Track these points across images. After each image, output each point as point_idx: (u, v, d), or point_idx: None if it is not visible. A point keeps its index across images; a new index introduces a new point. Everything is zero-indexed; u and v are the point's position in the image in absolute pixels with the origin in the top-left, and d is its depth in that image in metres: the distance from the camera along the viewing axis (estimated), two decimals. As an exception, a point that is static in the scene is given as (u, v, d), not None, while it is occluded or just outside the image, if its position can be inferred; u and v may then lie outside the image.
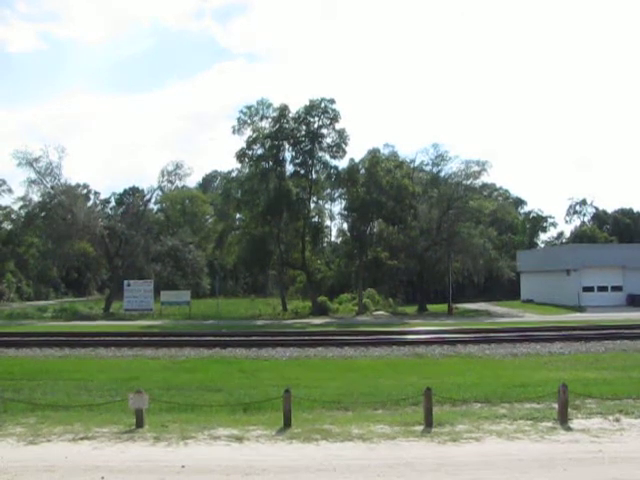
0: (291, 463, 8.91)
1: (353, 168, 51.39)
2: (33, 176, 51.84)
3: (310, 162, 50.48)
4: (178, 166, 54.63)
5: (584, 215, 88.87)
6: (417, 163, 57.26)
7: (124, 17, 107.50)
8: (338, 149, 50.19)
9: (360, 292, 50.92)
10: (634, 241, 71.11)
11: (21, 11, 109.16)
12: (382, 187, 49.09)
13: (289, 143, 50.39)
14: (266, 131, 50.04)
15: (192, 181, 76.67)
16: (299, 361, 19.90)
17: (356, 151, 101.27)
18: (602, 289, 51.77)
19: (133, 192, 64.90)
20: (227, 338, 25.65)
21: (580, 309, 47.17)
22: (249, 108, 50.61)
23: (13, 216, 59.79)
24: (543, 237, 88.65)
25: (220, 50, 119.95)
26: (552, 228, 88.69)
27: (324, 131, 50.08)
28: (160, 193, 62.44)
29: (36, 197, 54.06)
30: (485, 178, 56.44)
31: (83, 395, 14.00)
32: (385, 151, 56.71)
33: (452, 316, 46.47)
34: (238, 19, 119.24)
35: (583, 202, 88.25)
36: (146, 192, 60.48)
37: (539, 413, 11.76)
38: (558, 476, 8.40)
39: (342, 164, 51.76)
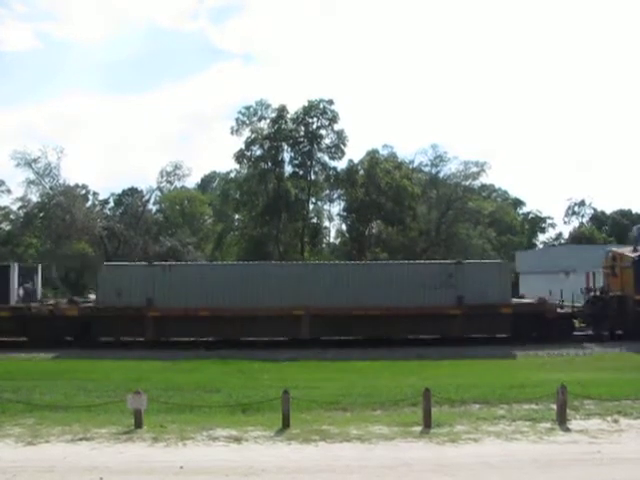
0: (290, 464, 8.90)
1: (352, 169, 51.47)
2: (32, 177, 51.92)
3: (309, 163, 50.56)
4: (177, 167, 54.75)
5: (582, 216, 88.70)
6: (416, 164, 57.45)
7: (122, 17, 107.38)
8: (337, 150, 50.31)
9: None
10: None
11: (18, 10, 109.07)
12: (381, 188, 49.20)
13: (288, 144, 50.47)
14: (265, 132, 50.12)
15: (191, 182, 76.42)
16: (298, 362, 19.88)
17: (355, 152, 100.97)
18: (602, 290, 51.59)
19: (132, 193, 64.66)
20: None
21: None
22: (247, 109, 50.75)
23: (12, 217, 59.72)
24: (542, 238, 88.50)
25: (217, 51, 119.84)
26: (551, 229, 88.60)
27: (323, 132, 50.24)
28: (159, 194, 62.47)
29: (35, 198, 54.10)
30: (484, 179, 56.65)
31: (82, 396, 13.97)
32: (384, 152, 56.84)
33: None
34: (234, 20, 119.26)
35: (582, 203, 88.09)
36: (145, 193, 60.50)
37: (538, 414, 11.75)
38: (557, 477, 8.41)
39: (341, 165, 51.89)
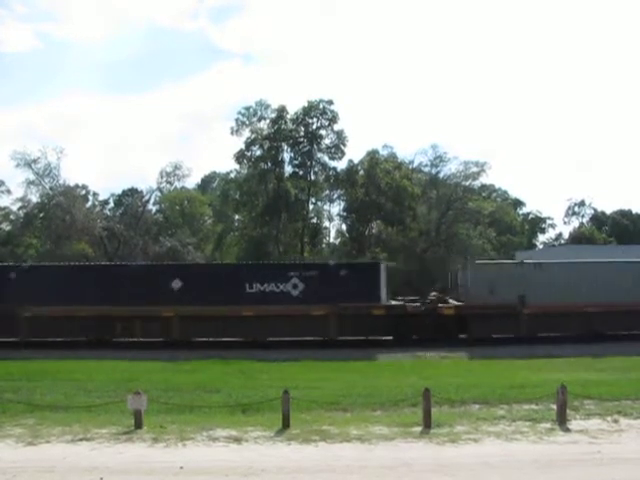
0: (290, 464, 8.91)
1: (352, 169, 51.45)
2: (32, 177, 51.85)
3: (309, 163, 50.55)
4: (177, 167, 54.64)
5: (583, 216, 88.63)
6: (416, 164, 57.33)
7: (122, 17, 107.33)
8: (337, 150, 50.29)
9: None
10: (633, 242, 71.02)
11: (18, 11, 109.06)
12: (381, 188, 49.19)
13: (288, 144, 50.47)
14: (264, 132, 50.09)
15: (191, 182, 76.31)
16: (298, 362, 19.87)
17: (355, 152, 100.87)
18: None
19: (132, 193, 64.59)
20: (226, 339, 25.58)
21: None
22: (247, 109, 50.70)
23: (12, 217, 59.66)
24: (542, 238, 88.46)
25: (217, 51, 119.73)
26: (551, 229, 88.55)
27: (322, 132, 50.19)
28: (159, 194, 62.39)
29: (35, 198, 54.01)
30: (484, 179, 56.56)
31: (82, 396, 13.97)
32: (384, 152, 56.70)
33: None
34: (234, 19, 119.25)
35: (582, 203, 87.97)
36: (145, 193, 60.43)
37: (538, 414, 11.76)
38: (557, 477, 8.41)
39: (341, 165, 51.88)
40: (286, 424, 10.88)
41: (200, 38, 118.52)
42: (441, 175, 56.32)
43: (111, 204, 67.93)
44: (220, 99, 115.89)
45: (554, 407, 11.47)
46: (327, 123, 49.87)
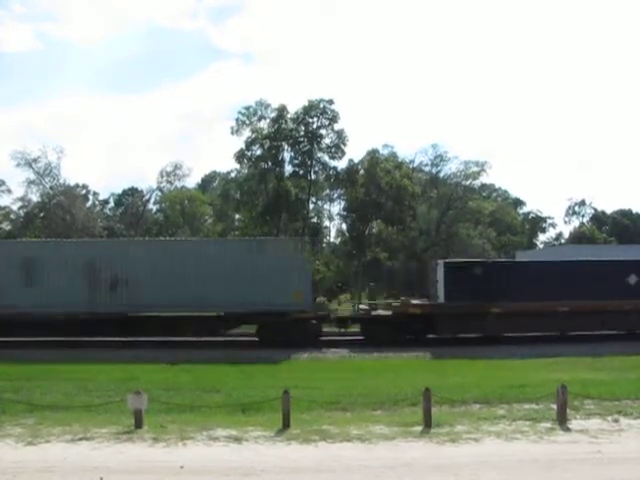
0: (290, 464, 8.91)
1: (352, 169, 51.50)
2: (32, 176, 51.92)
3: (309, 163, 50.56)
4: (177, 167, 54.81)
5: (583, 216, 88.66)
6: (416, 163, 57.46)
7: (122, 17, 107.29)
8: (337, 150, 50.30)
9: (359, 293, 50.91)
10: (633, 242, 70.99)
11: (17, 11, 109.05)
12: (381, 188, 49.22)
13: (288, 144, 50.47)
14: (265, 132, 50.10)
15: (191, 182, 76.48)
16: (298, 362, 19.89)
17: (355, 152, 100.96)
18: (602, 290, 51.41)
19: (132, 193, 64.77)
20: (226, 339, 25.60)
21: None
22: (247, 109, 50.71)
23: (12, 216, 59.71)
24: (542, 238, 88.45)
25: (217, 50, 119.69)
26: (551, 229, 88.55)
27: (323, 132, 50.19)
28: (159, 194, 62.51)
29: (35, 197, 54.09)
30: (484, 179, 56.66)
31: (82, 396, 13.96)
32: (384, 151, 56.80)
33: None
34: (234, 19, 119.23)
35: (582, 203, 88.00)
36: (145, 193, 60.55)
37: (538, 414, 11.75)
38: (557, 477, 8.41)
39: (341, 165, 51.94)
40: (286, 424, 10.88)
41: (199, 38, 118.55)
42: (441, 174, 56.50)
43: (111, 204, 68.09)
44: (220, 99, 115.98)
45: (554, 407, 11.46)
46: (327, 122, 49.88)
